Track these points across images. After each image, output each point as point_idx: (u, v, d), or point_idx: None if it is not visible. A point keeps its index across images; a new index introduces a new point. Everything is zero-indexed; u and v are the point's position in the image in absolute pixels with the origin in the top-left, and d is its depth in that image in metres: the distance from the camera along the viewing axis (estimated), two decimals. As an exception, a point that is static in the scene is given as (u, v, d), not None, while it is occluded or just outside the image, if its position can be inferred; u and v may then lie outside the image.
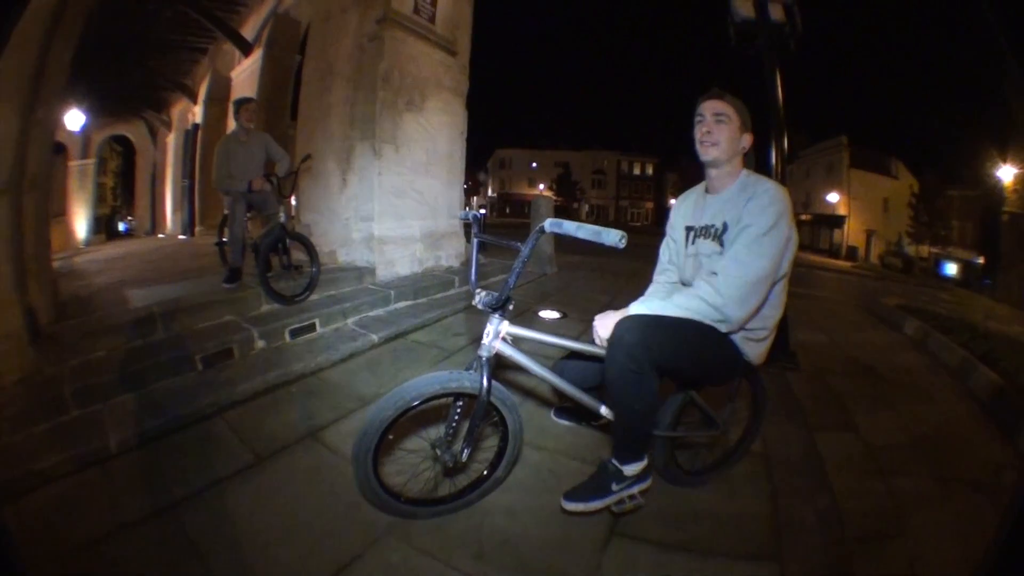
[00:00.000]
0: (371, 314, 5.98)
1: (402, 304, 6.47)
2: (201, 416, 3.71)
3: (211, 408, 3.80)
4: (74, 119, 17.68)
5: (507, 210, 78.50)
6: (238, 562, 2.35)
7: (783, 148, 5.39)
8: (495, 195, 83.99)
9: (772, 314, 2.52)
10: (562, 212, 70.05)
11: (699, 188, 2.74)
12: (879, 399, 4.53)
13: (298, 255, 6.13)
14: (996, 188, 29.38)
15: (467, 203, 58.03)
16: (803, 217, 50.63)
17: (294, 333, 5.18)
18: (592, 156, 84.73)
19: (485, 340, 2.44)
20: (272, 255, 5.92)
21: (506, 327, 2.48)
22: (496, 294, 2.44)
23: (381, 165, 7.42)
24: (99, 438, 3.30)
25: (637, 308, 2.41)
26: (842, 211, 45.75)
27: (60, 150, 21.01)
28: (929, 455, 3.49)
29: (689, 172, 56.72)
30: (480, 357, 2.42)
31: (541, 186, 78.70)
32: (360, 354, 5.05)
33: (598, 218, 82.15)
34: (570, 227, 2.20)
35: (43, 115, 4.66)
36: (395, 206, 7.73)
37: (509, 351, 2.49)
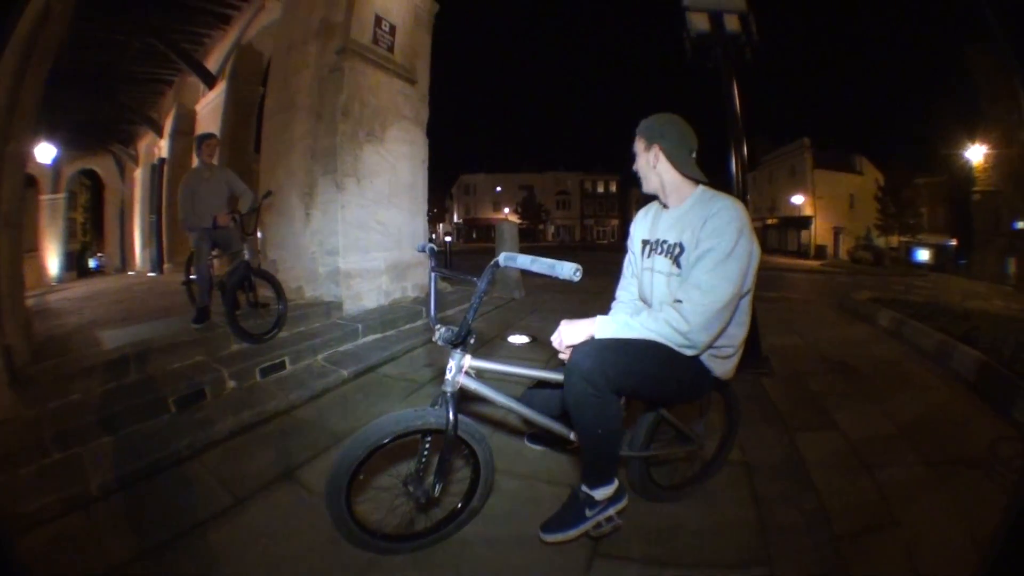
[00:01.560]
0: (340, 349, 5.99)
1: (371, 338, 6.48)
2: (178, 458, 3.73)
3: (187, 450, 3.81)
4: (45, 152, 17.44)
5: (474, 235, 78.90)
6: None
7: (743, 156, 5.47)
8: (461, 221, 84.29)
9: (738, 332, 2.51)
10: (528, 234, 70.53)
11: (656, 202, 2.75)
12: (857, 394, 4.59)
13: (265, 292, 6.12)
14: (964, 170, 30.13)
15: (433, 230, 57.92)
16: (770, 221, 51.61)
17: (264, 372, 5.18)
18: (555, 178, 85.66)
19: (448, 376, 2.45)
20: (239, 293, 5.89)
21: (468, 361, 2.49)
22: (455, 329, 2.45)
23: (344, 198, 7.45)
24: (81, 481, 3.33)
25: (604, 322, 2.39)
26: (808, 212, 46.31)
27: (31, 183, 20.81)
28: (916, 442, 3.54)
29: None
30: (444, 392, 2.44)
31: (506, 210, 79.40)
32: (331, 390, 5.06)
33: (564, 238, 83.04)
34: (524, 261, 2.22)
35: (15, 149, 4.68)
36: (359, 239, 7.74)
37: (474, 384, 2.50)
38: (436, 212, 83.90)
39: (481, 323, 7.51)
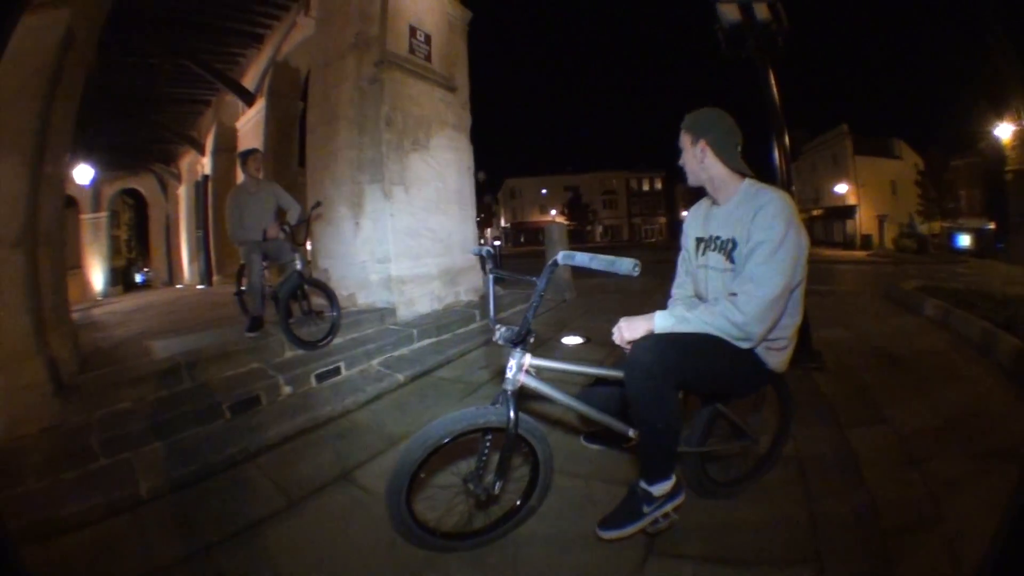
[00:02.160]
0: (395, 354, 6.07)
1: (425, 342, 6.55)
2: (232, 462, 3.84)
3: (242, 454, 3.92)
4: (83, 173, 18.05)
5: (521, 239, 78.80)
6: None
7: (785, 146, 5.41)
8: (508, 225, 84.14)
9: (791, 323, 2.52)
10: (576, 236, 69.40)
11: (708, 199, 2.75)
12: (906, 386, 4.54)
13: (318, 300, 6.25)
14: (996, 149, 28.81)
15: (481, 235, 57.93)
16: (815, 212, 50.29)
17: (320, 377, 5.29)
18: (600, 177, 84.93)
19: (509, 374, 2.48)
20: (292, 302, 6.02)
21: (528, 360, 2.51)
22: (515, 328, 2.49)
23: (392, 207, 7.57)
24: (129, 485, 3.48)
25: (662, 316, 2.43)
26: (852, 200, 45.11)
27: (71, 204, 21.49)
28: (961, 434, 3.50)
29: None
30: (505, 391, 2.46)
31: (553, 212, 79.11)
32: (387, 394, 5.13)
33: (613, 238, 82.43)
34: (583, 258, 2.28)
35: (52, 170, 4.94)
36: (410, 246, 7.84)
37: (534, 383, 2.53)
38: (483, 217, 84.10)
39: (534, 325, 7.49)
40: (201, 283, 16.90)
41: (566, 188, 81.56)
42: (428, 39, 8.52)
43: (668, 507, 2.53)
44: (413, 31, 8.21)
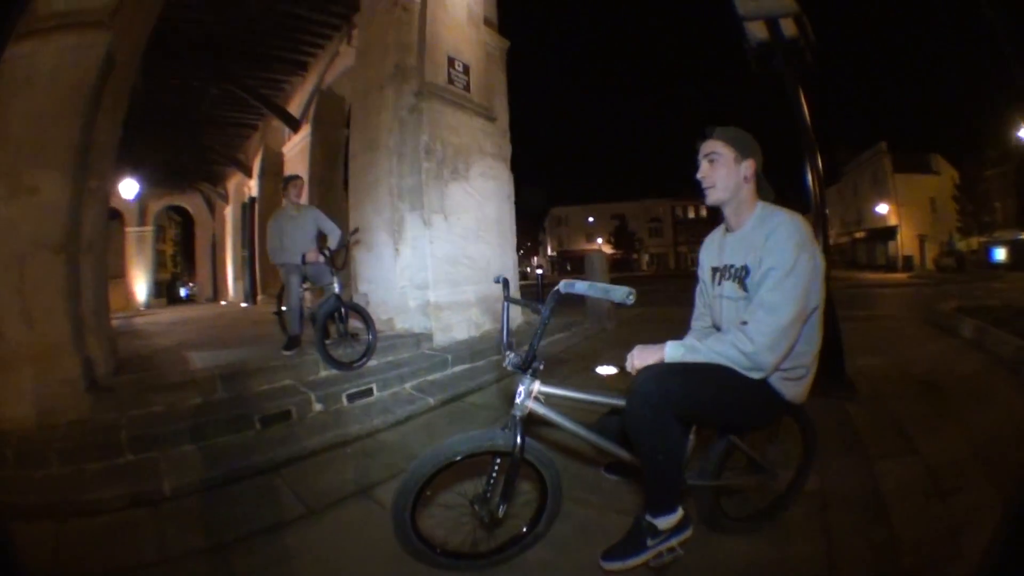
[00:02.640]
0: (429, 378, 6.17)
1: (459, 368, 6.63)
2: (257, 471, 4.00)
3: (267, 464, 4.08)
4: (128, 188, 18.96)
5: (568, 267, 77.79)
6: None
7: (818, 167, 5.31)
8: (555, 253, 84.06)
9: (808, 350, 2.41)
10: (623, 264, 70.10)
11: (721, 227, 2.70)
12: (939, 415, 4.41)
13: (356, 323, 6.43)
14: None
15: (528, 264, 57.58)
16: (857, 235, 49.54)
17: (351, 397, 5.43)
18: (646, 206, 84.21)
19: (517, 400, 2.50)
20: (330, 323, 6.21)
21: (537, 387, 2.52)
22: (517, 355, 2.53)
23: (431, 234, 7.72)
24: (154, 481, 3.73)
25: (672, 346, 2.40)
26: (893, 221, 44.08)
27: (116, 216, 22.37)
28: (988, 464, 3.36)
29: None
30: (513, 416, 2.48)
31: (599, 240, 78.96)
32: (416, 416, 5.23)
33: (659, 266, 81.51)
34: (582, 287, 2.34)
35: (95, 184, 5.38)
36: (449, 273, 7.95)
37: (542, 410, 2.53)
38: (530, 246, 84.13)
39: (571, 354, 7.63)
40: (245, 301, 17.40)
41: (612, 216, 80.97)
42: (467, 69, 8.70)
43: (673, 541, 2.48)
44: (451, 61, 8.40)
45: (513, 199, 9.88)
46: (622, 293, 2.19)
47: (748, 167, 2.47)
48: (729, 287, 2.50)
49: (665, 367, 2.37)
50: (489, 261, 8.74)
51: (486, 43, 9.50)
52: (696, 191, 2.59)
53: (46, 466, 3.91)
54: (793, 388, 2.46)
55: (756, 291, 2.31)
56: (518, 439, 2.44)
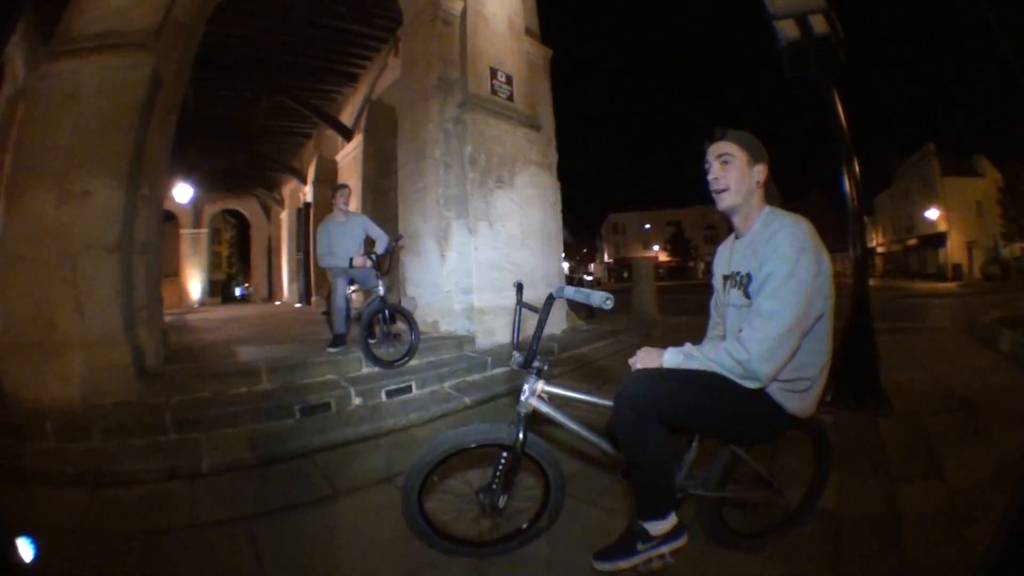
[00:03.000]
0: (467, 379, 6.39)
1: (499, 370, 6.76)
2: (292, 456, 4.32)
3: (302, 449, 4.41)
4: (183, 192, 19.74)
5: (625, 274, 76.49)
6: (289, 568, 2.78)
7: (854, 172, 5.15)
8: (611, 260, 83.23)
9: (813, 361, 2.32)
10: (679, 272, 69.18)
11: (732, 235, 2.63)
12: (970, 433, 4.21)
13: (400, 325, 6.73)
14: None
15: (585, 271, 57.25)
16: (910, 242, 47.94)
17: (390, 393, 5.68)
18: (703, 212, 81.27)
19: (521, 397, 2.59)
20: (374, 324, 6.59)
21: (540, 385, 2.62)
22: (522, 355, 2.66)
23: (476, 241, 7.95)
24: (193, 459, 4.11)
25: (672, 352, 2.38)
26: (942, 227, 42.13)
27: (170, 219, 23.66)
28: (1007, 486, 2.90)
29: (798, 214, 54.38)
30: (517, 413, 2.59)
31: (655, 247, 78.32)
32: (451, 414, 5.43)
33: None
34: (569, 291, 2.50)
35: (148, 191, 5.91)
36: (493, 279, 8.06)
37: (545, 408, 2.61)
38: (586, 252, 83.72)
39: (608, 361, 7.71)
40: (299, 302, 17.98)
41: (668, 223, 79.57)
42: (509, 79, 8.90)
43: (664, 548, 2.46)
44: (494, 73, 8.64)
45: (560, 206, 10.00)
46: (599, 298, 2.34)
47: (761, 171, 2.42)
48: (735, 295, 2.43)
49: (656, 372, 2.37)
50: (534, 268, 8.87)
51: (528, 53, 9.69)
52: (705, 196, 2.54)
53: (87, 440, 4.37)
54: (796, 401, 2.35)
55: (755, 299, 2.25)
56: (520, 435, 2.56)
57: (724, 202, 2.46)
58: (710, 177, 2.49)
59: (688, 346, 2.39)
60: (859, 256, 5.25)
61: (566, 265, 52.83)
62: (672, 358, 2.37)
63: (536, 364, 2.64)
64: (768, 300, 2.18)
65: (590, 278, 18.25)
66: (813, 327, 2.27)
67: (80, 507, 3.45)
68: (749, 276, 2.33)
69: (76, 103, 5.26)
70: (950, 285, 32.71)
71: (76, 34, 5.44)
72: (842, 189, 5.22)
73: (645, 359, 2.45)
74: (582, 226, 79.24)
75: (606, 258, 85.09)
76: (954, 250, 41.62)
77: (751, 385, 2.23)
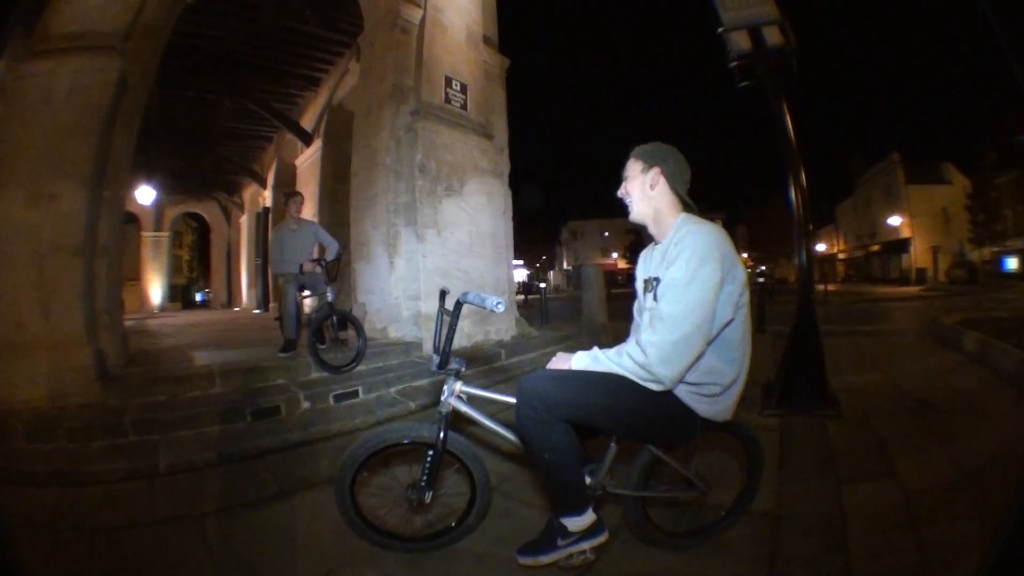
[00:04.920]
0: (414, 384, 6.44)
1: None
2: (244, 456, 4.45)
3: (253, 451, 4.54)
4: (145, 194, 19.56)
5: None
6: (238, 559, 2.91)
7: (801, 181, 5.23)
8: (570, 267, 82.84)
9: (723, 368, 2.33)
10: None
11: (654, 241, 2.62)
12: (928, 435, 4.15)
13: (349, 331, 6.79)
14: None
15: (543, 278, 57.38)
16: (873, 248, 48.97)
17: (338, 398, 5.76)
18: None
19: (443, 398, 2.68)
20: (324, 330, 6.69)
21: (459, 387, 2.70)
22: (439, 357, 2.73)
23: (424, 248, 7.99)
24: (151, 459, 4.23)
25: (580, 356, 2.41)
26: (906, 233, 43.37)
27: (132, 221, 23.42)
28: (974, 490, 3.07)
29: (758, 224, 55.70)
30: (439, 412, 2.68)
31: (614, 254, 78.19)
32: (396, 418, 5.47)
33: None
34: (471, 296, 2.56)
35: (110, 194, 5.96)
36: (440, 285, 7.72)
37: (463, 407, 2.70)
38: (545, 259, 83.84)
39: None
40: (257, 308, 17.97)
41: (627, 231, 78.05)
42: (464, 88, 8.97)
43: (585, 545, 2.48)
44: (448, 81, 8.70)
45: (510, 214, 10.09)
46: (492, 302, 2.43)
47: (653, 175, 2.47)
48: (649, 299, 2.44)
49: (556, 373, 2.43)
50: (483, 274, 8.96)
51: (485, 62, 9.78)
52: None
53: (54, 440, 4.44)
54: (708, 405, 2.37)
55: (658, 302, 2.27)
56: (441, 433, 2.65)
57: (631, 215, 2.57)
58: (619, 193, 2.62)
59: (595, 349, 2.41)
60: (804, 262, 5.40)
61: (524, 272, 53.26)
62: (580, 361, 2.40)
63: (453, 366, 2.71)
64: (668, 305, 2.19)
65: (543, 286, 18.26)
66: (721, 334, 2.30)
67: (49, 505, 3.58)
68: (657, 280, 2.34)
69: (49, 106, 5.29)
70: (913, 289, 33.26)
71: (54, 32, 5.43)
72: (788, 199, 5.33)
73: (556, 362, 2.51)
74: (540, 234, 79.32)
75: (565, 265, 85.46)
76: (918, 255, 42.58)
77: (654, 387, 2.23)
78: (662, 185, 2.47)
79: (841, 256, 57.12)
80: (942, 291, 28.14)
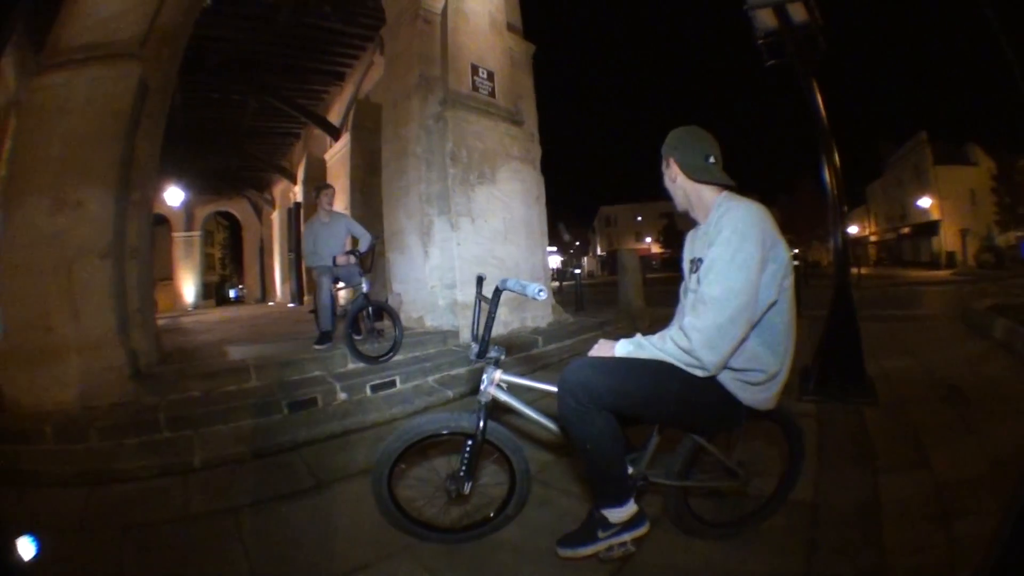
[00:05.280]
0: (451, 373, 6.44)
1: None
2: (279, 449, 4.49)
3: (289, 443, 4.58)
4: (174, 196, 20.04)
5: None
6: (273, 553, 2.91)
7: (834, 162, 5.13)
8: (604, 253, 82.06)
9: (767, 353, 2.27)
10: (672, 264, 69.23)
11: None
12: (959, 424, 4.06)
13: (385, 321, 6.86)
14: None
15: (577, 264, 57.29)
16: (903, 231, 47.96)
17: (375, 388, 5.77)
18: None
19: (482, 387, 2.64)
20: (359, 321, 6.69)
21: (499, 375, 2.65)
22: (478, 346, 2.68)
23: (459, 237, 8.00)
24: (186, 455, 4.29)
25: (623, 343, 2.36)
26: (935, 215, 42.12)
27: (162, 222, 23.76)
28: (1000, 482, 2.99)
29: (790, 207, 54.47)
30: (478, 402, 2.63)
31: (648, 239, 77.81)
32: (434, 407, 5.53)
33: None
34: (511, 283, 2.51)
35: (138, 197, 6.06)
36: (476, 273, 7.69)
37: (503, 396, 2.65)
38: (579, 245, 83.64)
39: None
40: (292, 302, 18.03)
41: (661, 215, 77.04)
42: (491, 76, 8.95)
43: (625, 536, 2.46)
44: (475, 69, 8.69)
45: (543, 200, 9.99)
46: (533, 289, 2.39)
47: (672, 167, 2.49)
48: (693, 280, 2.40)
49: (598, 361, 2.38)
50: (518, 262, 8.93)
51: (510, 49, 9.71)
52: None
53: (85, 441, 4.49)
54: (751, 393, 2.32)
55: (701, 284, 2.22)
56: (480, 422, 2.62)
57: (676, 207, 2.57)
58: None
59: (639, 336, 2.37)
60: (839, 244, 5.29)
61: (559, 259, 52.97)
62: (623, 348, 2.35)
63: (492, 354, 2.66)
64: (710, 287, 2.15)
65: (578, 271, 18.20)
66: (765, 317, 2.25)
67: (79, 505, 3.60)
68: (701, 261, 2.29)
69: (67, 115, 5.38)
70: (944, 273, 32.62)
71: (65, 46, 5.54)
72: (821, 178, 5.22)
73: (599, 350, 2.46)
74: (575, 220, 78.72)
75: (599, 251, 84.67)
76: (947, 238, 41.53)
77: (699, 373, 2.21)
78: (676, 171, 2.47)
79: (873, 239, 56.03)
80: (972, 275, 27.52)
